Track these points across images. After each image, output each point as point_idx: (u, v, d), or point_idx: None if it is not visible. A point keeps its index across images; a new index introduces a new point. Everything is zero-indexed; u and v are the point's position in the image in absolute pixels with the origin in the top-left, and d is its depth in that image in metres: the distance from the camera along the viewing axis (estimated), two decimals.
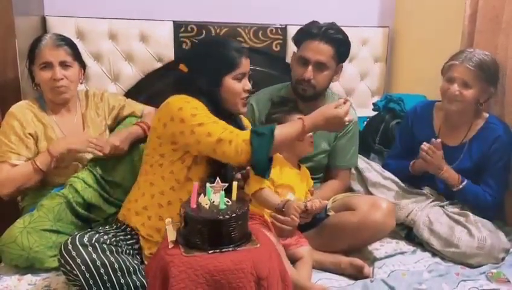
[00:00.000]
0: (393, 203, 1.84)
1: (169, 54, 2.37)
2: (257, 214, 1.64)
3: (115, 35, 2.30)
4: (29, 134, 1.75)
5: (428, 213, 1.93)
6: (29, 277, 1.61)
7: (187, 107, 1.51)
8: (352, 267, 1.71)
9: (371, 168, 2.12)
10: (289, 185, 1.72)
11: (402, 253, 1.88)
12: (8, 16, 1.87)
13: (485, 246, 1.78)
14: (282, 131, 1.53)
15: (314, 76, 1.88)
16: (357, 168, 2.11)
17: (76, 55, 1.83)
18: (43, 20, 2.20)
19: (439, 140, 1.90)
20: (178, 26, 2.37)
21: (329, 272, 1.73)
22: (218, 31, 2.42)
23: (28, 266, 1.62)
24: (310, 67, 1.88)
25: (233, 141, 1.48)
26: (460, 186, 1.93)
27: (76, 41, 2.19)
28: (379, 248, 1.90)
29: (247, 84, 1.64)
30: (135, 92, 2.34)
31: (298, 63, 1.92)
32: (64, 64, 1.76)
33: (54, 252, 1.60)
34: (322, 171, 2.02)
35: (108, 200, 1.80)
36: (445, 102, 1.97)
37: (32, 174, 1.71)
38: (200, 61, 1.61)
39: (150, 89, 2.36)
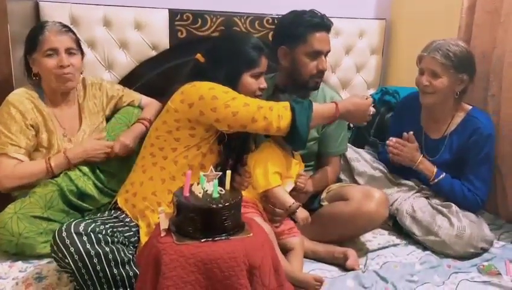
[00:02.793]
0: (385, 193, 1.84)
1: (164, 43, 2.35)
2: (250, 201, 1.65)
3: (109, 22, 2.27)
4: (31, 125, 1.69)
5: (412, 203, 1.94)
6: (20, 264, 1.60)
7: (218, 87, 1.56)
8: (346, 257, 1.71)
9: (360, 158, 2.14)
10: (291, 176, 1.75)
11: (395, 245, 1.89)
12: (0, 1, 1.83)
13: (464, 235, 1.79)
14: (316, 106, 1.62)
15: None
16: (345, 158, 2.12)
17: (78, 42, 1.79)
18: (36, 6, 2.16)
19: (411, 132, 1.91)
20: (174, 14, 2.35)
21: (323, 261, 1.74)
22: (214, 20, 2.40)
23: (19, 253, 1.61)
24: (323, 58, 1.89)
25: (274, 107, 1.55)
26: (436, 180, 1.93)
27: None
28: (372, 240, 1.91)
29: (262, 82, 1.68)
30: (129, 81, 2.32)
31: (308, 57, 1.86)
32: (69, 52, 1.72)
33: (45, 238, 1.59)
34: (314, 158, 2.03)
35: (103, 190, 1.78)
36: (420, 95, 1.98)
37: (43, 174, 1.69)
38: (222, 55, 1.64)
39: (145, 77, 2.34)
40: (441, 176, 1.93)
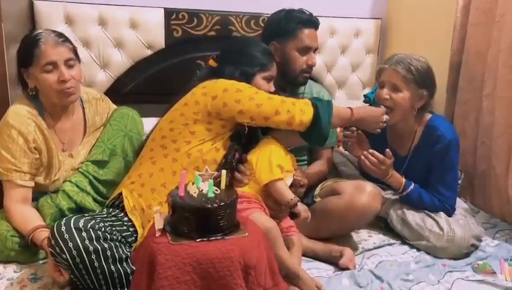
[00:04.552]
0: (377, 187, 1.84)
1: (159, 42, 2.34)
2: (252, 196, 1.65)
3: (104, 21, 2.26)
4: (34, 148, 1.60)
5: (401, 205, 1.93)
6: (15, 265, 1.59)
7: (241, 83, 1.61)
8: (342, 256, 1.71)
9: (347, 162, 2.15)
10: (290, 170, 1.76)
11: (390, 244, 1.89)
12: None
13: (455, 238, 1.79)
14: (335, 106, 1.67)
15: None
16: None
17: (76, 51, 1.67)
18: (31, 4, 2.15)
19: (387, 150, 1.85)
20: (169, 13, 2.34)
21: (320, 260, 1.74)
22: (210, 19, 2.39)
23: (9, 261, 1.59)
24: (312, 54, 1.98)
25: (296, 103, 1.61)
26: (404, 193, 1.90)
27: (64, 27, 2.17)
28: (367, 239, 1.91)
29: (272, 87, 1.73)
30: (124, 80, 2.31)
31: (298, 52, 1.96)
32: (68, 64, 1.60)
33: (39, 252, 1.58)
34: (306, 153, 2.07)
35: (101, 202, 1.74)
36: None
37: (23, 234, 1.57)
38: (234, 57, 1.70)
39: (140, 76, 2.33)
40: (410, 188, 1.89)
